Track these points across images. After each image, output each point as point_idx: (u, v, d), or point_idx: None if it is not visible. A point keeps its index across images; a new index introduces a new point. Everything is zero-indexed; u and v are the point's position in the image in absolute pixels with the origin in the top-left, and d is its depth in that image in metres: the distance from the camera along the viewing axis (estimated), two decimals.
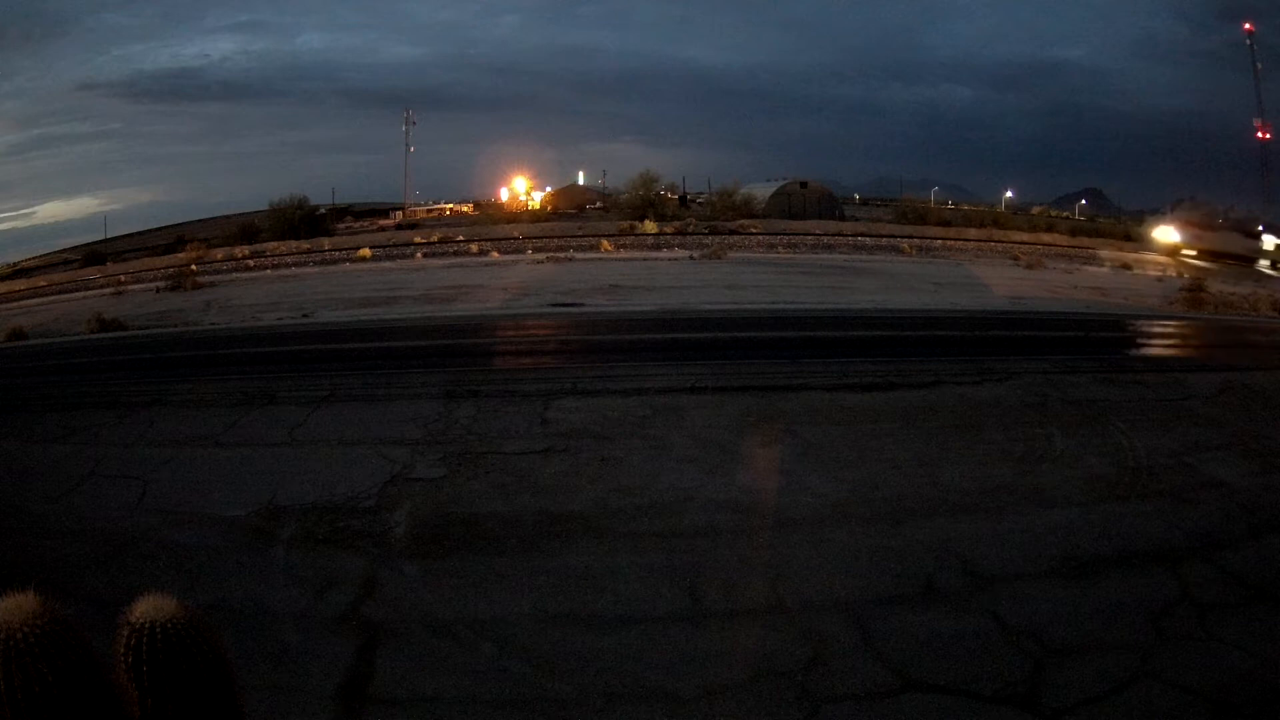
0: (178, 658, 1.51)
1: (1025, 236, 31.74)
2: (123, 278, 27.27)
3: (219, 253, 29.87)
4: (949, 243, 29.70)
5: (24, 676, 1.37)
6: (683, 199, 37.03)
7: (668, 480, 5.45)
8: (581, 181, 40.69)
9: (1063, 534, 4.70)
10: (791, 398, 7.44)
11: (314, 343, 11.96)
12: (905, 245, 28.01)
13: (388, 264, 26.78)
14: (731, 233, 30.60)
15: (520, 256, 26.68)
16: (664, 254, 26.23)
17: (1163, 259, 28.63)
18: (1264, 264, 30.52)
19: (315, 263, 27.75)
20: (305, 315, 15.41)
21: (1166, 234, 30.38)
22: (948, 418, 6.88)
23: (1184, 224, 30.71)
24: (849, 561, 4.36)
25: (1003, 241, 30.48)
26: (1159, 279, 23.92)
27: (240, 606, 3.92)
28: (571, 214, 36.70)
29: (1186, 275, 24.09)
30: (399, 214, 37.81)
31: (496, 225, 33.28)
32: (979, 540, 4.61)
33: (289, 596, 4.03)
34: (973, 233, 31.89)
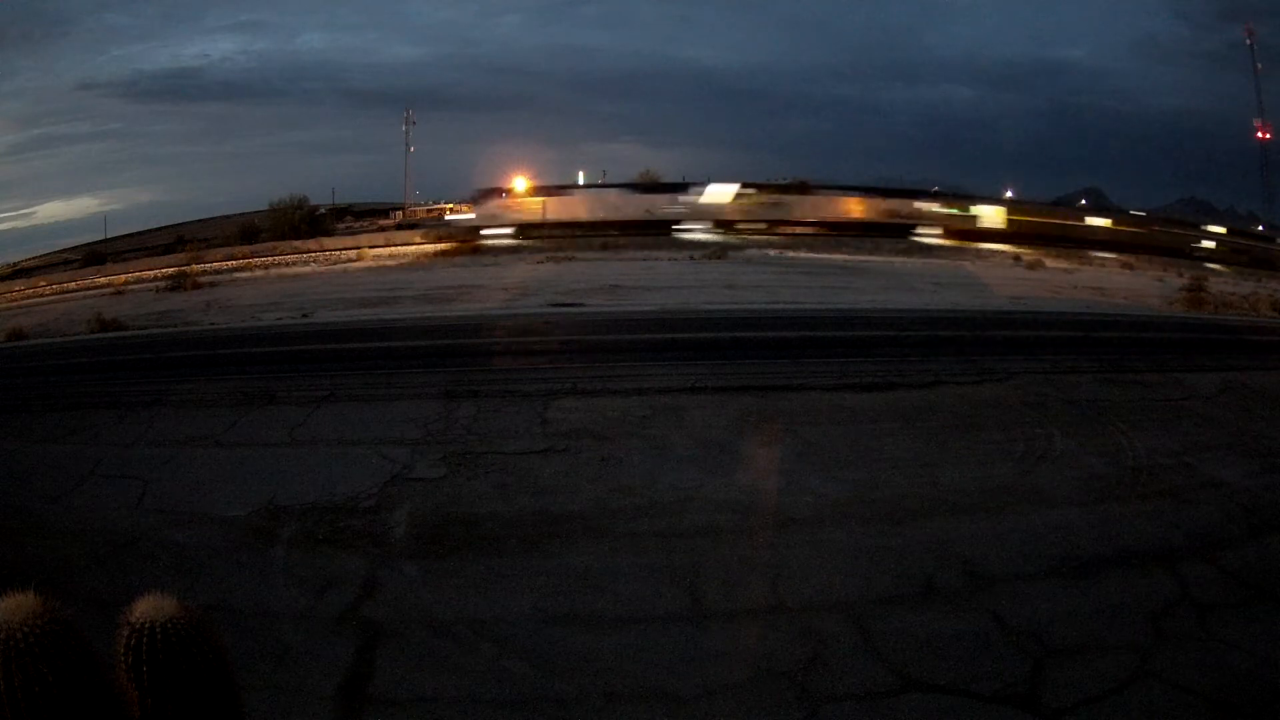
0: (178, 658, 1.51)
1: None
2: (123, 278, 27.24)
3: (219, 252, 29.81)
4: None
5: (24, 676, 1.37)
6: None
7: (668, 480, 5.45)
8: (581, 182, 40.75)
9: (1063, 534, 4.70)
10: (791, 397, 7.45)
11: (314, 343, 11.96)
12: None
13: (388, 263, 26.77)
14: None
15: (521, 257, 26.66)
16: (664, 254, 26.22)
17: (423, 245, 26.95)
18: (699, 227, 27.87)
19: (316, 262, 27.58)
20: (305, 315, 15.41)
21: (464, 216, 28.71)
22: (947, 417, 6.89)
23: (482, 206, 28.63)
24: (849, 561, 4.36)
25: None
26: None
27: (240, 606, 3.92)
28: None
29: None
30: (399, 214, 37.78)
31: None
32: (979, 540, 4.61)
33: (289, 596, 4.03)
34: None
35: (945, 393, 7.71)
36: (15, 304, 25.49)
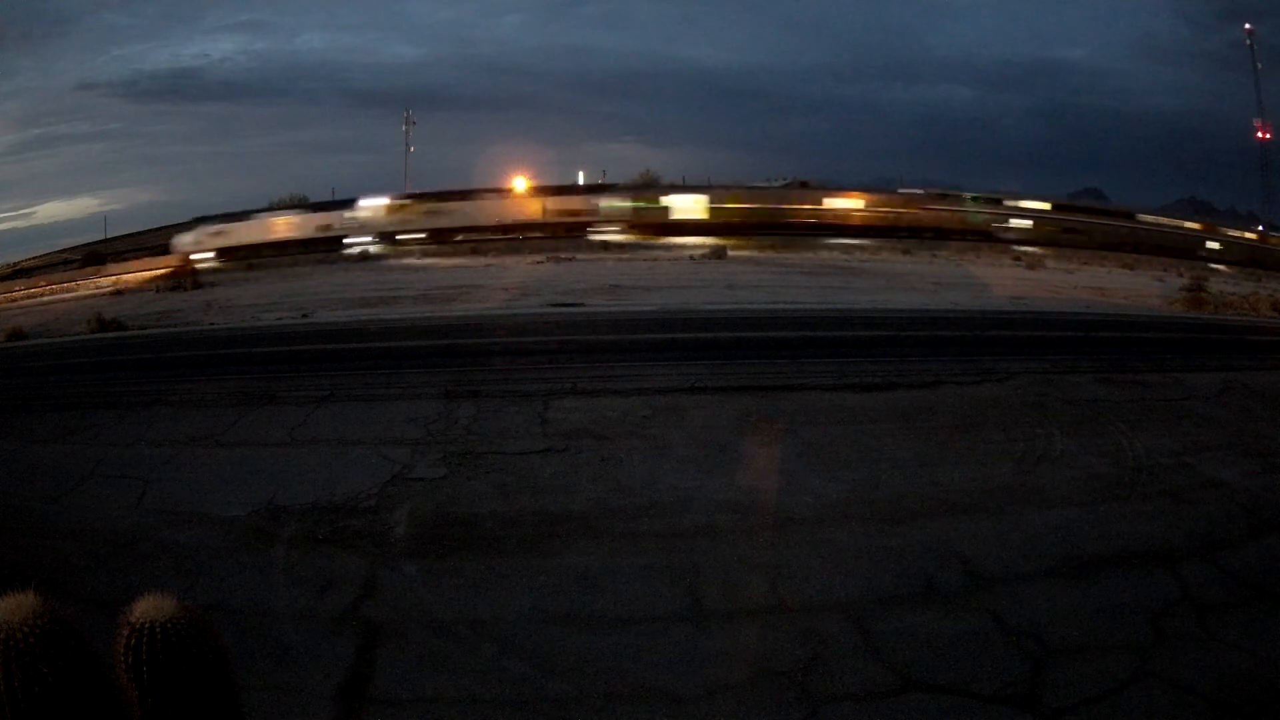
0: (178, 658, 1.51)
1: None
2: (123, 277, 27.46)
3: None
4: None
5: (24, 676, 1.37)
6: None
7: (667, 480, 5.45)
8: (581, 182, 40.74)
9: (1063, 534, 4.70)
10: (791, 397, 7.44)
11: (314, 343, 11.95)
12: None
13: (388, 263, 26.81)
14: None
15: (521, 256, 26.69)
16: (665, 254, 26.23)
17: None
18: (365, 240, 28.94)
19: (315, 262, 27.73)
20: (305, 315, 15.41)
21: (182, 244, 29.93)
22: (947, 417, 6.88)
23: (194, 233, 29.96)
24: (849, 561, 4.36)
25: None
26: None
27: (240, 606, 3.92)
28: None
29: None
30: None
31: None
32: (979, 540, 4.61)
33: (289, 596, 4.03)
34: None
35: (946, 393, 7.71)
36: (15, 304, 25.54)
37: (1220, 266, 31.57)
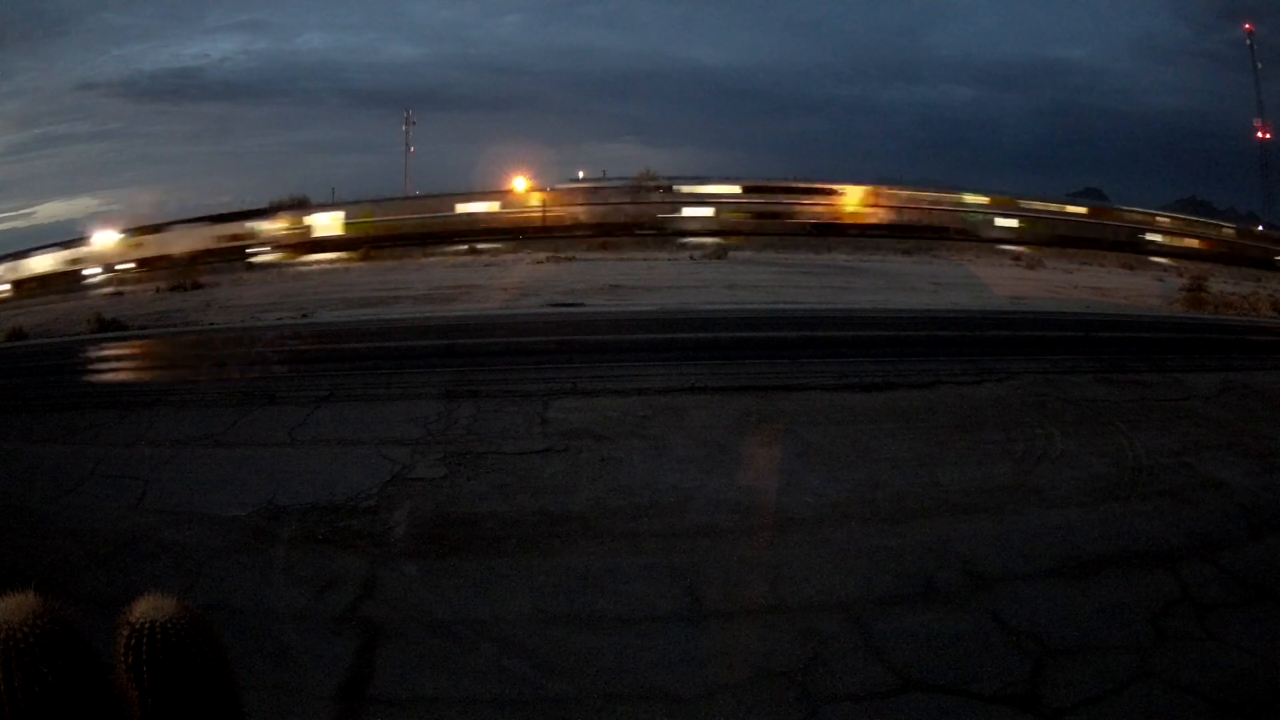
0: (178, 657, 1.51)
1: None
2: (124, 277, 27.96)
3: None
4: None
5: (24, 676, 1.37)
6: None
7: (668, 480, 5.45)
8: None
9: (1063, 534, 4.70)
10: (791, 398, 7.44)
11: (314, 342, 11.95)
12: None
13: (388, 263, 26.84)
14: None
15: (521, 256, 26.74)
16: (665, 254, 26.26)
17: None
18: (97, 272, 30.81)
19: (315, 262, 28.00)
20: (305, 315, 15.41)
21: None
22: (947, 417, 6.88)
23: None
24: (849, 561, 4.36)
25: None
26: None
27: (240, 606, 3.92)
28: None
29: None
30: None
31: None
32: (979, 540, 4.61)
33: (289, 596, 4.03)
34: None
35: (945, 392, 7.70)
36: (15, 304, 25.64)
37: (1020, 249, 29.34)
